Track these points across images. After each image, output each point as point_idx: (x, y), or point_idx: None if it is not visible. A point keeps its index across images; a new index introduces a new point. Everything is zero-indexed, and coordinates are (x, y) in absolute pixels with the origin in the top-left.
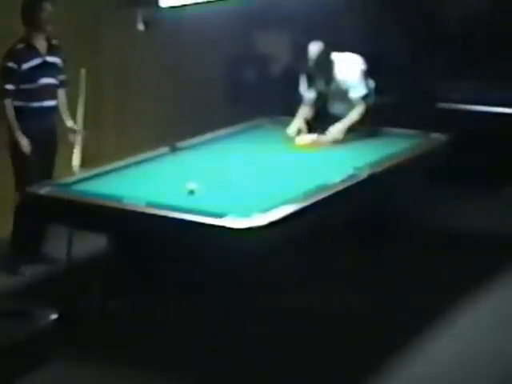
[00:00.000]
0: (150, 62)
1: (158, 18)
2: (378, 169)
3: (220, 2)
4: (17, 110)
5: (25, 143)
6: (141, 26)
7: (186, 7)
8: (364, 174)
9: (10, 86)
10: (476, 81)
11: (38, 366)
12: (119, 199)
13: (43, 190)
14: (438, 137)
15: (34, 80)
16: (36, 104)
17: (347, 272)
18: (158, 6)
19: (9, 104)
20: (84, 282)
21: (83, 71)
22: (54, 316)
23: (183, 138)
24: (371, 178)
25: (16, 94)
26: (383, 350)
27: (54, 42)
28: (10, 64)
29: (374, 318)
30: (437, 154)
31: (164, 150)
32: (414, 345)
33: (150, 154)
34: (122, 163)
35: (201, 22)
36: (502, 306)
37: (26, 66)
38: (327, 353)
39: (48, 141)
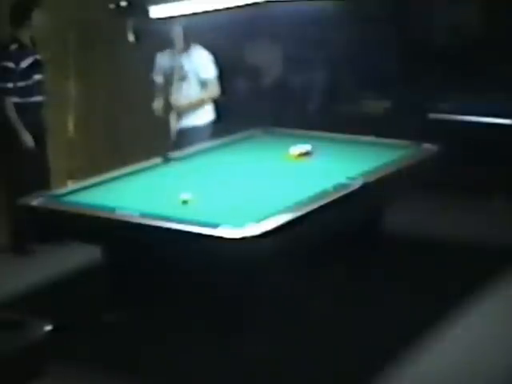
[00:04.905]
0: (141, 74)
1: (149, 29)
2: (371, 178)
3: (211, 13)
4: (16, 106)
5: (28, 139)
6: (131, 37)
7: (177, 18)
8: (357, 184)
9: (9, 85)
10: (467, 92)
11: (33, 378)
12: (112, 210)
13: (35, 202)
14: (429, 147)
15: (30, 77)
16: (32, 99)
17: (344, 277)
18: (149, 17)
19: (10, 102)
20: (78, 293)
21: (72, 35)
22: (49, 327)
23: (176, 148)
24: (364, 187)
25: (15, 92)
26: (386, 352)
27: (34, 39)
28: (10, 64)
29: (374, 321)
30: (428, 164)
31: (156, 160)
32: (416, 346)
33: (142, 164)
34: (114, 174)
35: (191, 33)
36: (503, 307)
37: (23, 64)
38: (329, 355)
39: (40, 133)
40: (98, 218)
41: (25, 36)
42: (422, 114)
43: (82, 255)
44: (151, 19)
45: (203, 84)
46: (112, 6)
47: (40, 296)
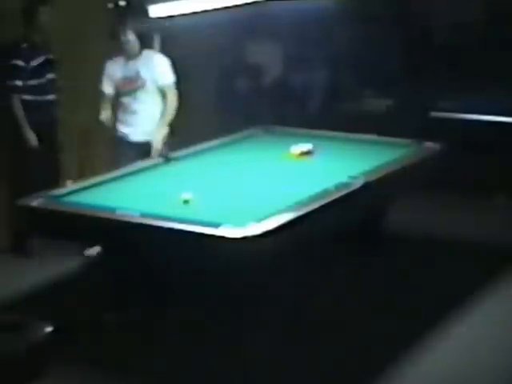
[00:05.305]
0: None
1: (148, 29)
2: (373, 177)
3: (211, 12)
4: (28, 103)
5: (32, 137)
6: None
7: (176, 17)
8: (358, 183)
9: (18, 83)
10: (469, 90)
11: (33, 379)
12: (112, 210)
13: (35, 202)
14: (431, 146)
15: (43, 75)
16: (45, 97)
17: (345, 276)
18: (148, 17)
19: (17, 100)
20: (78, 293)
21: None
22: (49, 329)
23: (176, 148)
24: (366, 186)
25: (25, 90)
26: (389, 351)
27: (47, 38)
28: (19, 62)
29: (377, 320)
30: (430, 162)
31: (157, 160)
32: (419, 345)
33: (143, 164)
34: (114, 174)
35: (191, 32)
36: (506, 306)
37: (34, 62)
38: (331, 355)
39: (51, 132)
40: (99, 218)
41: (36, 35)
42: (423, 113)
43: (82, 256)
44: (150, 18)
45: (162, 92)
46: (110, 5)
47: (40, 297)
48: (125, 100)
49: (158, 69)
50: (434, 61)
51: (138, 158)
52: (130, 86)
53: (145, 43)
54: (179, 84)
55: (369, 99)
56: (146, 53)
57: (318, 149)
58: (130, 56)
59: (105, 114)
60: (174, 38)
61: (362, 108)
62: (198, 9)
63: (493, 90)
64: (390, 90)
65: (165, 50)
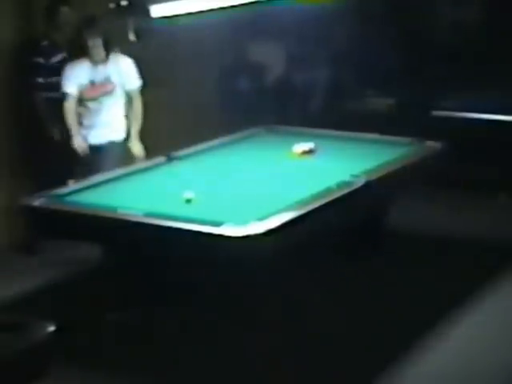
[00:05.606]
0: (142, 73)
1: (150, 28)
2: (374, 176)
3: (213, 11)
4: (50, 101)
5: (56, 132)
6: (132, 37)
7: (179, 17)
8: (360, 182)
9: (40, 80)
10: (471, 89)
11: (34, 380)
12: (115, 209)
13: (37, 202)
14: (432, 145)
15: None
16: None
17: (346, 276)
18: (150, 16)
19: (39, 97)
20: (80, 293)
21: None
22: (51, 328)
23: (179, 147)
24: (367, 185)
25: (47, 87)
26: (389, 351)
27: (67, 37)
28: (40, 60)
29: (377, 320)
30: (431, 161)
31: (160, 159)
32: (419, 345)
33: (145, 163)
34: (117, 173)
35: (193, 32)
36: (506, 305)
37: (54, 59)
38: (331, 354)
39: None
40: (101, 217)
41: (56, 33)
42: (425, 112)
43: (84, 255)
44: (152, 18)
45: (127, 96)
46: (112, 5)
47: (41, 297)
48: (90, 104)
49: (126, 73)
50: (435, 60)
51: (101, 161)
52: (99, 90)
53: (109, 47)
54: (180, 84)
55: (370, 98)
56: (114, 57)
57: (319, 148)
58: (97, 61)
59: (78, 142)
60: (174, 38)
61: (364, 107)
62: (200, 8)
63: (495, 89)
64: (392, 89)
65: (167, 50)
